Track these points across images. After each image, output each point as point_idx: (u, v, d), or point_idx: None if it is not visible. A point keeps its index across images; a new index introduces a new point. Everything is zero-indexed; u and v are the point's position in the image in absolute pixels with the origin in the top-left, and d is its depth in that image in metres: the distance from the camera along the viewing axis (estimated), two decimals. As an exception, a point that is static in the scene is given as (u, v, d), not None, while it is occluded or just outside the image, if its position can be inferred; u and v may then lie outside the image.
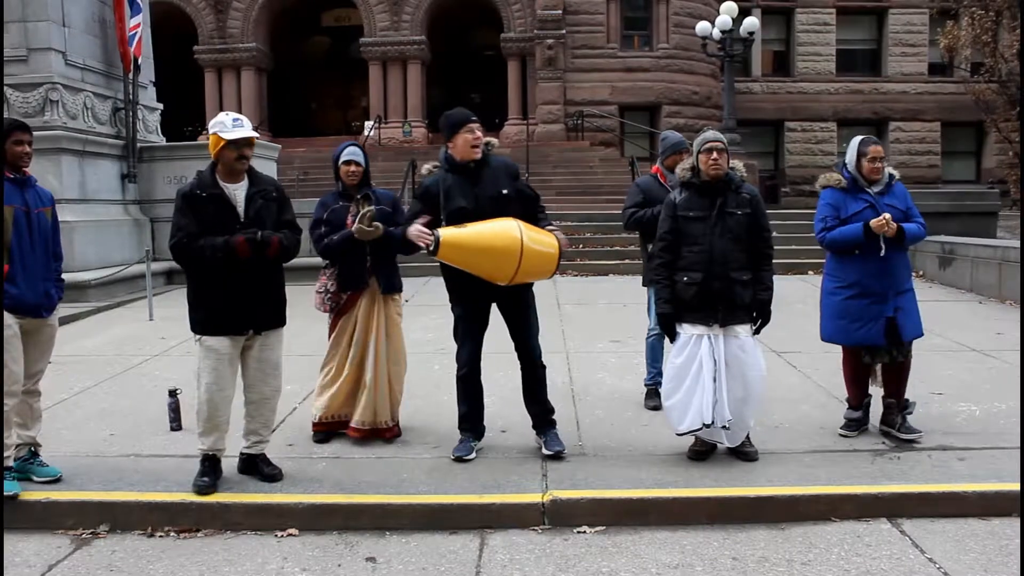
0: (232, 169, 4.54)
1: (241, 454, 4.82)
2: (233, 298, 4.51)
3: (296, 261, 5.06)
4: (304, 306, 5.53)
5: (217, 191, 4.53)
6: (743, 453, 4.97)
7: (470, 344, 5.10)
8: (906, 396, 5.35)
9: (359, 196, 5.30)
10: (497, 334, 5.19)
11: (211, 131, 4.51)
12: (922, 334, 5.35)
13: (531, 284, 5.07)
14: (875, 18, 29.96)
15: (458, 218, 4.80)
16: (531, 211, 5.01)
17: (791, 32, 29.56)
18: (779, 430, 5.47)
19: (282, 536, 4.29)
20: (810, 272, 13.46)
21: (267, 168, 15.35)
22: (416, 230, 4.78)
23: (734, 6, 19.59)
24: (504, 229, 4.68)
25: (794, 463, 4.91)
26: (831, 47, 29.51)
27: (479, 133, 4.89)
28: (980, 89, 24.50)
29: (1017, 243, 11.29)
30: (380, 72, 26.26)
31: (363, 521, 4.37)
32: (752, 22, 19.83)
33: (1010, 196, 23.07)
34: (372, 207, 5.13)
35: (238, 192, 4.56)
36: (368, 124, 25.01)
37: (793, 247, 14.47)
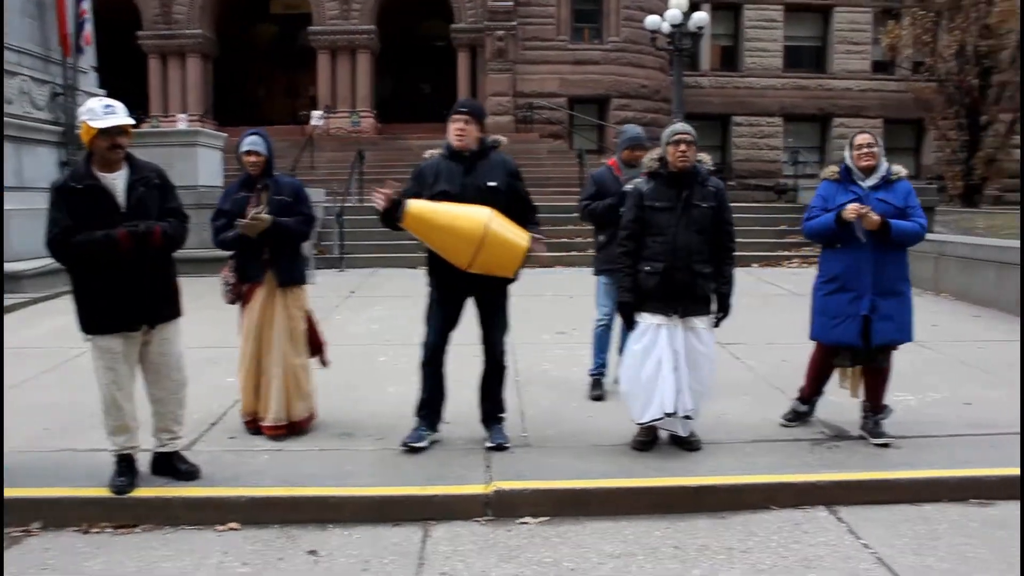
0: (106, 159, 4.29)
1: (154, 454, 4.67)
2: (121, 293, 4.31)
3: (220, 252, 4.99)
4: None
5: (92, 182, 4.29)
6: (687, 443, 5.02)
7: (437, 330, 5.09)
8: (885, 402, 5.28)
9: (259, 186, 5.23)
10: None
11: (81, 119, 4.28)
12: (901, 340, 5.21)
13: (506, 283, 5.07)
14: (821, 16, 30.43)
15: (440, 199, 4.84)
16: (520, 211, 5.01)
17: (739, 28, 29.91)
18: (722, 420, 5.53)
19: (223, 530, 4.23)
20: (754, 265, 13.65)
21: (212, 158, 15.11)
22: (378, 191, 4.81)
23: (684, 0, 19.74)
24: (474, 213, 4.72)
25: (736, 453, 4.98)
26: (778, 43, 29.93)
27: (461, 124, 4.92)
28: (920, 88, 25.07)
29: (955, 237, 11.56)
30: (329, 61, 26.03)
31: (305, 514, 4.33)
32: (701, 17, 20.03)
33: (947, 192, 23.62)
34: (261, 208, 5.08)
35: (117, 181, 4.33)
36: (315, 114, 24.76)
37: (739, 240, 14.58)
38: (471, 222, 4.68)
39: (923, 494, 4.55)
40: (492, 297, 5.09)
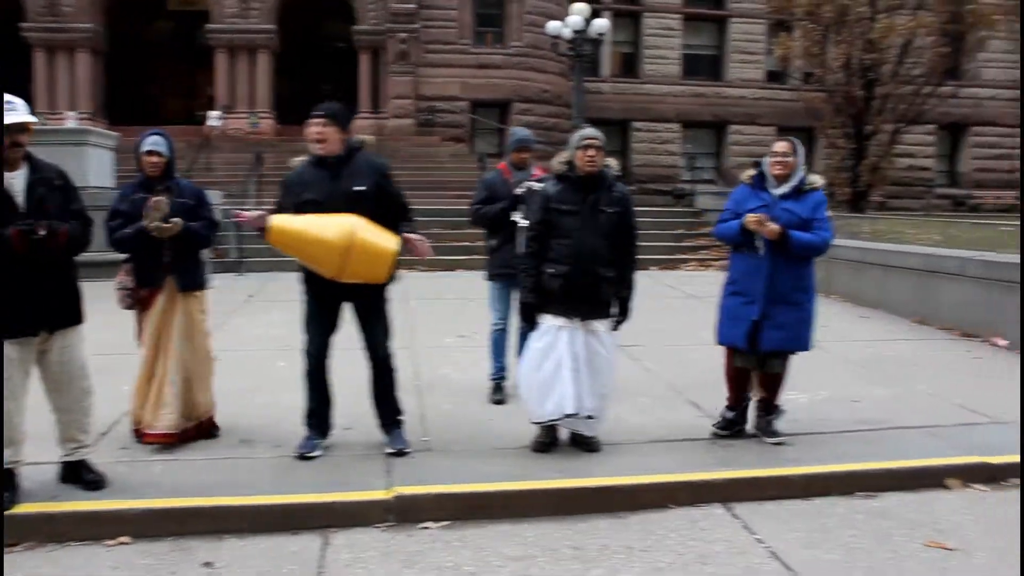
0: (4, 157, 4.09)
1: (61, 462, 4.50)
2: (17, 297, 4.10)
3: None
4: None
5: None
6: (587, 444, 5.08)
7: (318, 339, 5.00)
8: (778, 403, 5.41)
9: (160, 188, 5.06)
10: (347, 328, 5.11)
11: None
12: (791, 348, 5.25)
13: (383, 287, 5.01)
14: (717, 26, 31.23)
15: (307, 210, 4.72)
16: (393, 213, 4.94)
17: (639, 35, 30.44)
18: (621, 422, 5.61)
19: (112, 545, 4.07)
20: (652, 268, 13.90)
21: (103, 158, 14.54)
22: (250, 214, 4.73)
23: (585, 7, 19.99)
24: (339, 224, 4.62)
25: (635, 453, 5.06)
26: (676, 51, 30.57)
27: (319, 128, 4.79)
28: (810, 98, 25.99)
29: (844, 242, 11.98)
30: (227, 60, 25.42)
31: (200, 525, 4.21)
32: (602, 24, 20.31)
33: (835, 198, 24.51)
34: (163, 201, 4.94)
35: (15, 181, 4.15)
36: (213, 114, 24.15)
37: (638, 243, 14.90)
38: (336, 233, 4.58)
39: (814, 489, 4.71)
40: (369, 301, 5.00)
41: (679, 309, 10.53)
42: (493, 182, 6.26)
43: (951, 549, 4.09)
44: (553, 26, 20.56)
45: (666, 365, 7.20)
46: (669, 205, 21.03)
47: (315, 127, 4.79)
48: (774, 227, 4.98)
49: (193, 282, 5.20)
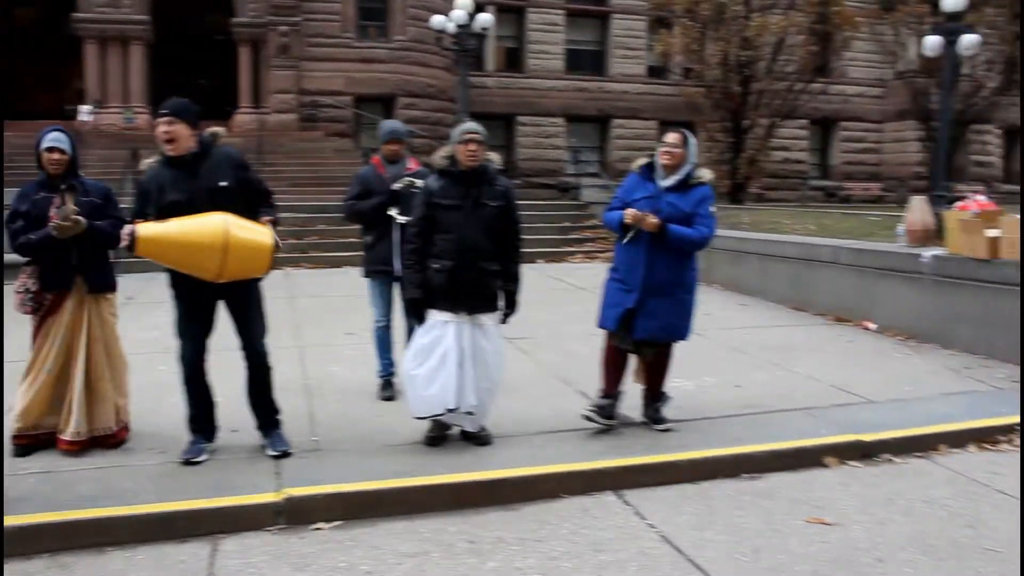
0: None
1: None
2: None
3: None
4: (7, 307, 5.01)
5: None
6: (478, 438, 5.08)
7: (193, 342, 4.84)
8: (663, 390, 5.53)
9: (64, 187, 4.82)
10: (227, 329, 4.97)
11: None
12: (664, 339, 5.34)
13: (256, 281, 4.88)
14: (600, 21, 31.66)
15: (170, 213, 4.52)
16: (258, 205, 4.81)
17: (523, 30, 30.59)
18: (512, 414, 5.63)
19: (-22, 566, 3.85)
20: (539, 261, 14.02)
21: (-39, 154, 13.74)
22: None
23: (469, 2, 19.95)
24: (210, 224, 4.46)
25: (527, 445, 5.10)
26: (560, 46, 30.86)
27: (165, 127, 4.59)
28: (690, 93, 26.67)
29: (724, 232, 12.32)
30: (98, 52, 24.29)
31: (81, 539, 4.01)
32: (486, 18, 20.30)
33: (715, 190, 25.23)
34: (70, 204, 4.71)
35: None
36: (84, 108, 23.08)
37: (524, 237, 14.95)
38: (210, 234, 4.44)
39: (701, 473, 4.85)
40: (243, 299, 4.86)
41: (566, 301, 10.65)
42: (367, 176, 6.16)
43: (830, 524, 4.27)
44: (437, 20, 20.45)
45: (554, 356, 7.27)
46: (555, 199, 21.24)
47: (163, 126, 4.59)
48: (653, 221, 5.04)
49: (103, 283, 4.99)
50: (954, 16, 16.26)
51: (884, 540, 4.10)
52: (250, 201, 4.77)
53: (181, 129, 4.60)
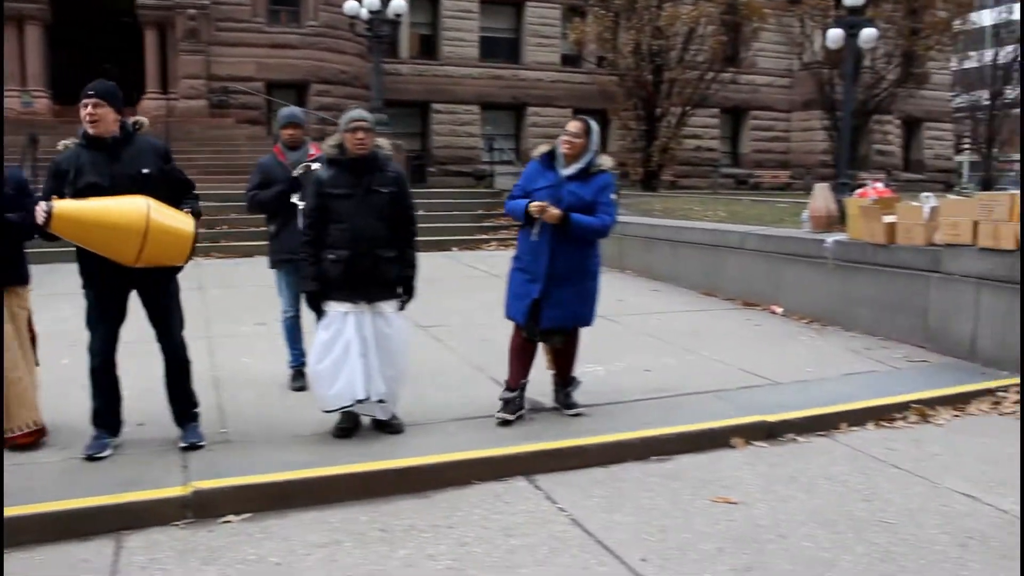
0: None
1: None
2: None
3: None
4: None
5: None
6: (390, 426, 5.07)
7: (103, 333, 4.70)
8: (573, 375, 5.57)
9: None
10: (134, 320, 4.84)
11: None
12: (569, 326, 5.37)
13: (174, 272, 4.77)
14: (514, 9, 31.66)
15: (88, 194, 4.42)
16: (179, 197, 4.73)
17: (438, 17, 30.41)
18: (424, 401, 5.64)
19: None
20: (454, 248, 14.03)
21: None
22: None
23: (381, -13, 19.76)
24: (131, 206, 4.38)
25: (439, 432, 5.10)
26: (475, 34, 30.78)
27: (91, 109, 4.50)
28: (603, 81, 26.95)
29: (636, 219, 12.54)
30: (-10, 33, 23.27)
31: (-27, 542, 3.87)
32: (399, 4, 20.15)
33: (629, 178, 25.59)
34: None
35: None
36: (-23, 92, 22.11)
37: (439, 225, 14.98)
38: (130, 216, 4.35)
39: (610, 456, 4.92)
40: (159, 289, 4.76)
41: (480, 288, 10.67)
42: (267, 165, 6.06)
43: (735, 503, 4.38)
44: (350, 6, 20.21)
45: (468, 344, 7.28)
46: (470, 186, 21.25)
47: (89, 107, 4.51)
48: (555, 212, 5.05)
49: (16, 277, 4.81)
50: (855, 10, 16.80)
51: (786, 516, 4.23)
52: (172, 192, 4.70)
53: (107, 112, 4.54)
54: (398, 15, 20.16)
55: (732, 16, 27.62)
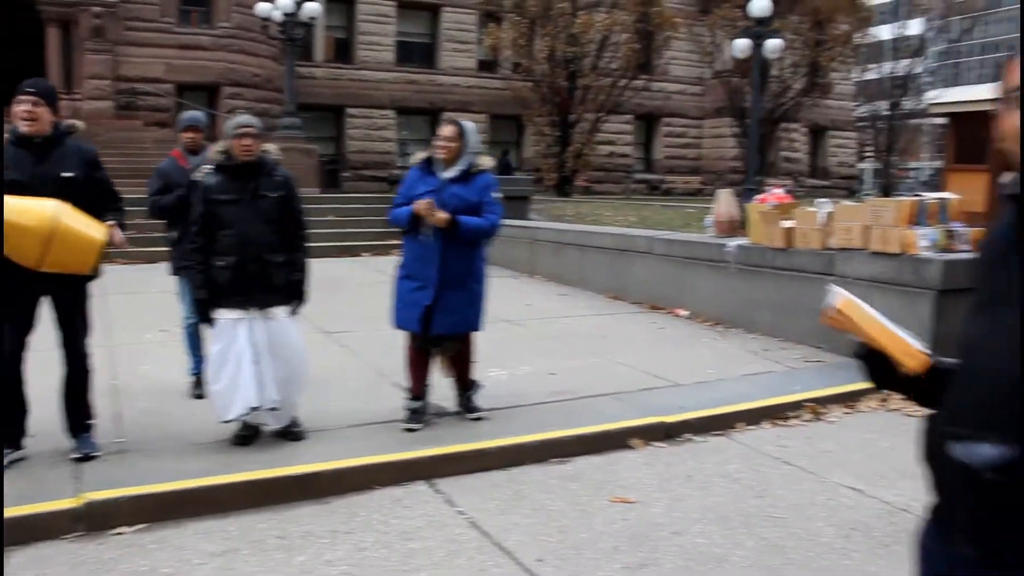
0: None
1: None
2: None
3: None
4: None
5: None
6: (290, 433, 5.04)
7: (12, 341, 4.55)
8: (474, 378, 5.59)
9: None
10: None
11: None
12: (461, 331, 5.39)
13: (86, 280, 4.67)
14: (431, 14, 31.66)
15: (8, 192, 4.29)
16: (101, 202, 4.67)
17: (353, 21, 30.21)
18: (327, 408, 5.61)
19: None
20: (364, 254, 13.94)
21: None
22: None
23: (295, -11, 19.53)
24: (39, 207, 4.28)
25: (340, 438, 5.09)
26: (391, 38, 30.67)
27: (29, 107, 4.43)
28: (519, 87, 27.15)
29: (546, 224, 12.67)
30: None
31: None
32: (314, 7, 19.93)
33: (544, 183, 25.84)
34: None
35: None
36: None
37: (350, 230, 14.88)
38: (37, 217, 4.26)
39: (511, 459, 4.98)
40: (70, 296, 4.67)
41: (388, 294, 10.61)
42: (167, 170, 5.99)
43: (633, 502, 4.49)
44: (263, 8, 19.91)
45: (373, 349, 7.26)
46: (385, 191, 21.14)
47: (25, 104, 4.43)
48: (442, 216, 5.05)
49: None
50: (762, 21, 17.28)
51: (681, 514, 4.34)
52: (96, 200, 4.63)
53: (44, 112, 4.49)
54: (312, 18, 19.95)
55: (645, 25, 28.14)
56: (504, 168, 27.18)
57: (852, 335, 1.78)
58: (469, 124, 5.34)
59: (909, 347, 1.72)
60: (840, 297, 1.77)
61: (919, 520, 1.76)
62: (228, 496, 4.36)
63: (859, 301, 1.78)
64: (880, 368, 1.76)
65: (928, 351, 1.70)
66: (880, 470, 4.95)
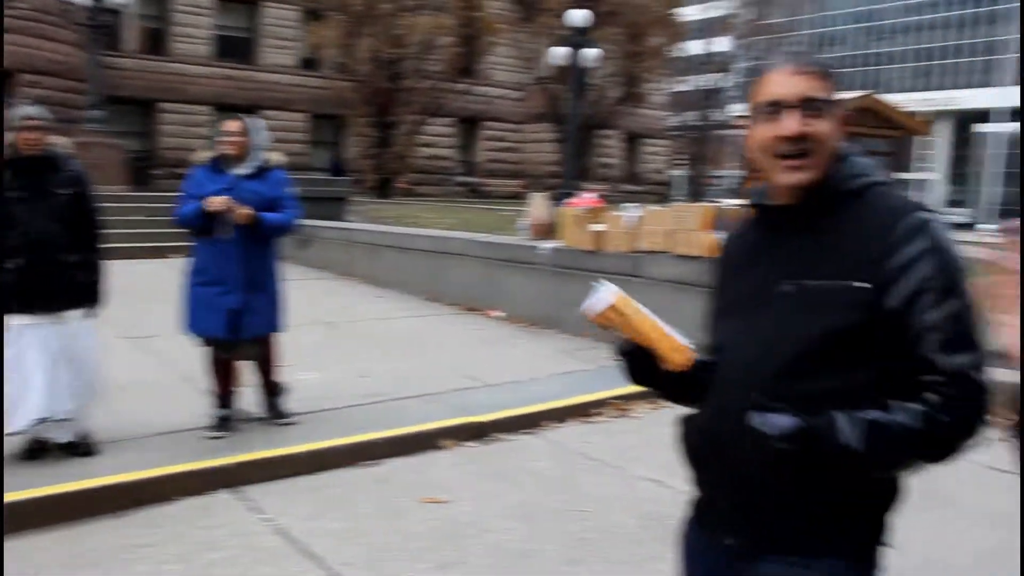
0: None
1: None
2: None
3: None
4: None
5: None
6: (82, 446, 4.76)
7: None
8: (280, 381, 5.47)
9: None
10: None
11: None
12: (270, 331, 5.28)
13: None
14: (251, 8, 30.75)
15: None
16: None
17: (167, 11, 28.94)
18: (128, 417, 5.35)
19: None
20: (171, 256, 13.38)
21: None
22: None
23: (100, -25, 18.48)
24: None
25: (140, 448, 4.88)
26: (207, 31, 29.60)
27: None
28: (341, 86, 26.82)
29: (363, 226, 12.59)
30: None
31: None
32: (123, -6, 18.97)
33: (364, 184, 25.64)
34: None
35: None
36: None
37: (159, 230, 14.22)
38: None
39: (320, 463, 4.93)
40: None
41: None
42: None
43: (443, 501, 4.55)
44: (66, -9, 18.75)
45: (181, 355, 6.97)
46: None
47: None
48: (245, 212, 4.91)
49: None
50: (580, 30, 17.85)
51: (490, 512, 4.44)
52: None
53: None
54: (122, 5, 18.96)
55: (468, 29, 28.43)
56: (336, 169, 26.84)
57: (618, 332, 1.79)
58: (255, 120, 5.19)
59: (677, 343, 1.77)
60: (614, 294, 1.75)
61: (680, 518, 1.89)
62: (12, 516, 4.06)
63: (629, 297, 1.77)
64: (642, 365, 1.82)
65: (692, 346, 1.78)
66: (680, 461, 5.22)
